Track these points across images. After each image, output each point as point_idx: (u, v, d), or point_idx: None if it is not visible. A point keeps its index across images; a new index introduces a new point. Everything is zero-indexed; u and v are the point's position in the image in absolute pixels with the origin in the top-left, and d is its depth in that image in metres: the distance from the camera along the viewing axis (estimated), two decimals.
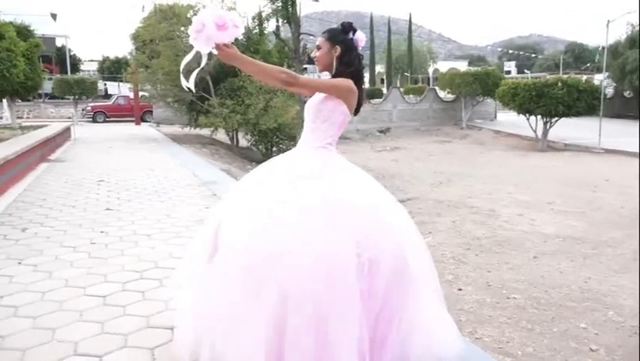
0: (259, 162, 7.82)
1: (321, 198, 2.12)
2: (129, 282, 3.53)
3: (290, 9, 20.77)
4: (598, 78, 27.52)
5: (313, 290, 1.96)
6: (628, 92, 31.54)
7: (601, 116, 18.32)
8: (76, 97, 26.58)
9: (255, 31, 16.95)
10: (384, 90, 41.86)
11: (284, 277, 1.98)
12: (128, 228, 5.03)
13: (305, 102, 2.54)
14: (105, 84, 37.74)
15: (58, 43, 37.41)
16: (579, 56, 69.66)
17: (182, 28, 14.32)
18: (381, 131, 25.30)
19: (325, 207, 2.10)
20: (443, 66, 57.60)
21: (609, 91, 30.44)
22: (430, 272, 2.34)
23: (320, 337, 1.95)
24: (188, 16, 14.37)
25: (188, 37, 2.14)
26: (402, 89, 32.78)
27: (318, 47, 2.38)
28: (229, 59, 2.18)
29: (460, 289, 5.02)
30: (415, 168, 14.45)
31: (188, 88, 2.28)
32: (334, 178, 2.23)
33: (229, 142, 15.73)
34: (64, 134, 14.34)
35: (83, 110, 27.79)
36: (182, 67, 2.24)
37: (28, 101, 26.62)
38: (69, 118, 25.09)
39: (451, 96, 29.45)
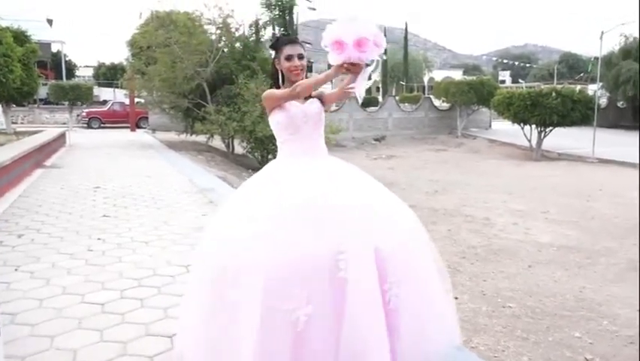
0: (255, 169, 7.83)
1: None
2: (127, 289, 3.54)
3: (287, 17, 20.95)
4: (592, 88, 27.78)
5: None
6: (621, 102, 31.81)
7: (595, 126, 18.46)
8: (71, 103, 26.53)
9: (252, 38, 16.99)
10: (380, 98, 41.99)
11: None
12: (125, 235, 5.03)
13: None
14: None
15: (54, 48, 37.31)
16: (573, 66, 70.09)
17: (180, 35, 14.31)
18: (376, 140, 25.34)
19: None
20: (438, 75, 57.72)
21: (603, 101, 30.67)
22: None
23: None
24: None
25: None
26: (397, 98, 32.87)
27: (302, 56, 2.41)
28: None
29: (456, 298, 5.02)
30: (411, 177, 14.48)
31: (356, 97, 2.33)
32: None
33: (225, 149, 15.72)
34: (59, 140, 14.31)
35: (77, 115, 27.74)
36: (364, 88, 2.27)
37: (23, 106, 26.50)
38: (64, 124, 25.03)
39: (446, 105, 29.54)
